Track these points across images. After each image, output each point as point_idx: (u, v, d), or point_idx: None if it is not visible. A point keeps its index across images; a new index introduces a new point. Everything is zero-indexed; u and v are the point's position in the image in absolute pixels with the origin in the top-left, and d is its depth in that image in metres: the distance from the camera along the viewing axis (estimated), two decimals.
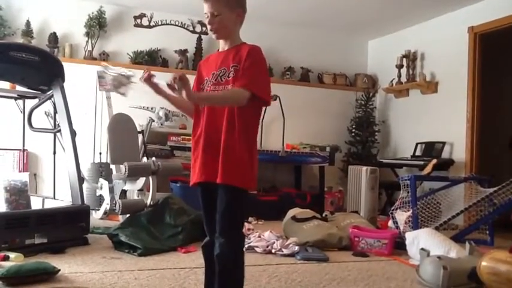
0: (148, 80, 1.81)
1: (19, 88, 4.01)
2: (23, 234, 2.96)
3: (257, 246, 3.34)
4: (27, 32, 5.12)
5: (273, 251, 3.27)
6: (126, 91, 1.84)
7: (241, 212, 1.87)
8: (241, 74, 1.80)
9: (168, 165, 4.31)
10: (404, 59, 5.78)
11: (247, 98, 1.77)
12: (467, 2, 4.96)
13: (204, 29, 5.83)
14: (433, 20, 5.51)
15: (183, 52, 5.68)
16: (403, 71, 5.80)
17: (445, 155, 5.10)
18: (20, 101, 4.20)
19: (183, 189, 4.61)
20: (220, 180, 1.78)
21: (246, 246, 3.20)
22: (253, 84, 1.79)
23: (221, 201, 1.80)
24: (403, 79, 5.82)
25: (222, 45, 1.93)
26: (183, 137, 5.33)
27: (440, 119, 5.32)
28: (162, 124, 5.37)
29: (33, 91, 3.93)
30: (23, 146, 4.49)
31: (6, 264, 2.59)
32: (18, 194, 3.56)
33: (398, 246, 3.50)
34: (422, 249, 2.91)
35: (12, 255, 2.72)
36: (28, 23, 5.13)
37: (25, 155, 4.81)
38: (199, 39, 5.78)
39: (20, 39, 5.05)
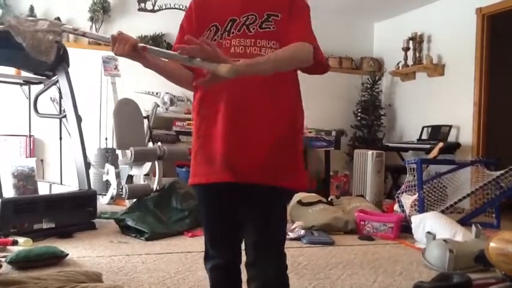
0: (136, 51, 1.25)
1: (24, 74, 4.01)
2: (31, 219, 2.99)
3: None
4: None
5: None
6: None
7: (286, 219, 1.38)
8: (295, 25, 1.29)
9: (173, 150, 4.31)
10: (410, 42, 5.71)
11: (312, 54, 1.28)
12: None
13: None
14: (440, 1, 5.42)
15: None
16: (410, 53, 5.73)
17: (451, 138, 5.07)
18: (26, 87, 4.20)
19: (189, 174, 4.61)
20: (265, 180, 1.26)
21: None
22: (313, 38, 1.29)
23: (263, 210, 1.29)
24: (410, 62, 5.76)
25: None
26: (189, 122, 5.32)
27: (447, 102, 5.28)
28: (167, 109, 5.36)
29: (38, 77, 3.93)
30: (29, 131, 4.51)
31: (15, 248, 2.62)
32: (26, 179, 3.58)
33: (404, 229, 3.51)
34: (428, 232, 2.92)
35: (21, 239, 2.75)
36: (32, 8, 5.09)
37: (31, 140, 4.83)
38: None
39: None
